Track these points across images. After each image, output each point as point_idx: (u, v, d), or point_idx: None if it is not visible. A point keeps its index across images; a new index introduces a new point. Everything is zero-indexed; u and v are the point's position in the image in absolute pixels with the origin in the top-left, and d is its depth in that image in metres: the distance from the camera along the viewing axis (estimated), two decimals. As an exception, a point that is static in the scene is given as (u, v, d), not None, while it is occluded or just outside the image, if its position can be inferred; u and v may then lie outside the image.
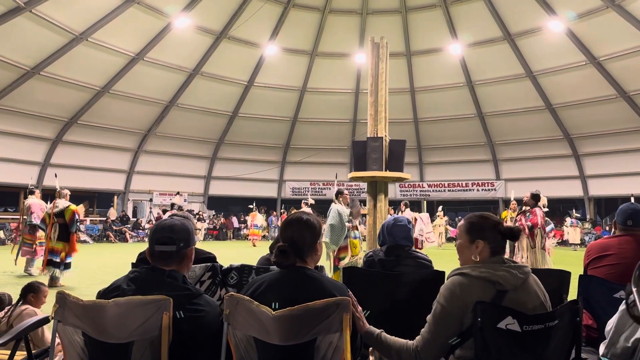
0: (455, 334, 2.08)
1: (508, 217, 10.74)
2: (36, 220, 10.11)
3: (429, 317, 2.16)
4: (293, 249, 2.09)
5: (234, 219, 27.55)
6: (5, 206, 24.30)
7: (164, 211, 15.06)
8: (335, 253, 8.41)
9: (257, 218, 22.43)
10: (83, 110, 22.22)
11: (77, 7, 18.10)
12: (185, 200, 26.79)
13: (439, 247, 20.25)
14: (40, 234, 10.03)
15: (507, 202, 27.23)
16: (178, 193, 15.37)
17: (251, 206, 22.61)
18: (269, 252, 3.53)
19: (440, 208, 22.46)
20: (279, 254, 2.08)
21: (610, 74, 21.10)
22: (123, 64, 21.30)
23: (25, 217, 10.40)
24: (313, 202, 14.75)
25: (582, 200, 25.63)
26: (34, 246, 10.01)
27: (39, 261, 10.12)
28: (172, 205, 14.38)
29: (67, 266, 9.07)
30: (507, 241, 2.28)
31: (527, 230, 8.69)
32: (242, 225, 26.92)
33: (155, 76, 22.50)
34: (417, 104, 26.06)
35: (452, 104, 25.41)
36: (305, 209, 14.15)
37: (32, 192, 10.87)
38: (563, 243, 22.61)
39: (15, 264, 9.98)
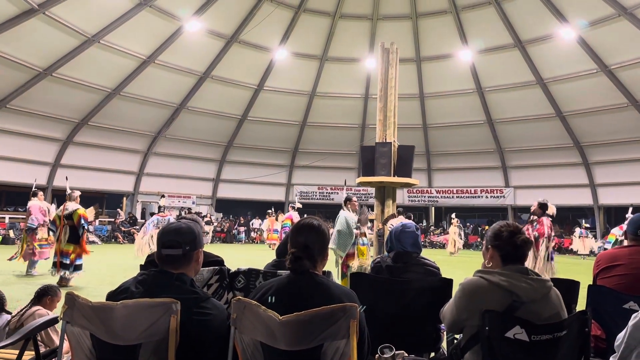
0: (459, 323, 2.18)
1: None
2: (33, 223, 10.23)
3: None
4: (306, 254, 2.10)
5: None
6: (16, 206, 24.49)
7: (152, 214, 14.94)
8: (343, 260, 8.34)
9: (276, 223, 22.41)
10: (94, 111, 22.40)
11: (90, 9, 18.27)
12: (193, 203, 26.94)
13: (451, 255, 20.10)
14: (40, 236, 10.13)
15: (515, 210, 27.17)
16: (163, 196, 15.36)
17: (270, 211, 22.56)
18: (275, 257, 3.52)
19: (453, 215, 22.23)
20: (294, 260, 2.09)
21: (622, 82, 20.96)
22: (134, 66, 21.46)
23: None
24: (300, 206, 14.72)
25: (592, 209, 25.43)
26: (33, 248, 10.09)
27: (40, 263, 10.24)
28: (160, 208, 14.32)
29: (77, 268, 9.10)
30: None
31: (533, 240, 8.61)
32: (240, 229, 26.79)
33: (165, 79, 22.64)
34: (426, 110, 26.01)
35: (462, 110, 25.34)
36: (293, 212, 14.19)
37: (35, 195, 10.92)
38: (572, 252, 22.43)
39: (9, 260, 10.11)
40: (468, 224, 28.78)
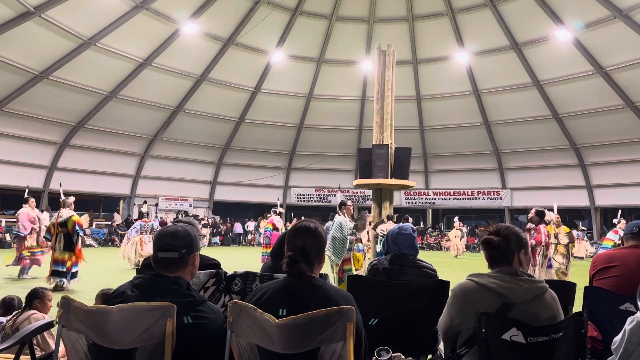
0: (453, 328, 2.17)
1: (552, 233, 10.43)
2: (22, 231, 10.29)
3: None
4: (303, 257, 2.10)
5: (237, 225, 27.60)
6: (15, 209, 24.43)
7: (133, 220, 14.95)
8: (339, 265, 8.28)
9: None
10: (90, 114, 22.36)
11: (86, 12, 18.24)
12: (190, 205, 26.91)
13: (455, 257, 20.02)
14: (30, 243, 10.14)
15: (512, 211, 27.22)
16: (145, 202, 15.31)
17: (269, 215, 22.47)
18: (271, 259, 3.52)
19: (456, 219, 22.15)
20: (291, 263, 2.09)
21: (618, 84, 21.03)
22: (131, 69, 21.43)
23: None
24: (282, 210, 14.67)
25: (589, 210, 25.49)
26: (22, 256, 10.11)
27: (34, 267, 10.28)
28: (142, 214, 14.38)
29: (74, 275, 9.07)
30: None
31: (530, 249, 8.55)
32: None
33: (162, 82, 22.62)
34: (423, 112, 26.05)
35: (458, 112, 25.39)
36: (274, 216, 14.18)
37: (26, 201, 10.92)
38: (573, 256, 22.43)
39: (6, 265, 10.20)
40: (465, 225, 28.80)
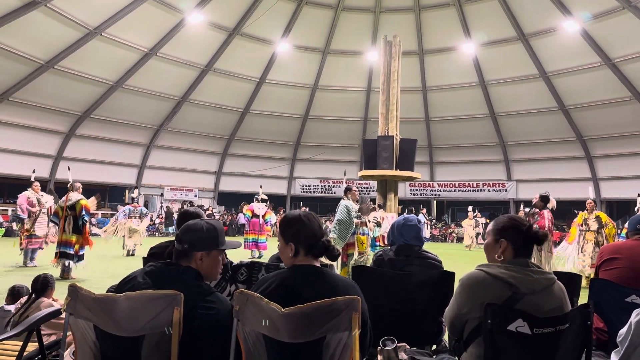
0: (461, 317, 2.17)
1: (582, 219, 9.89)
2: (21, 214, 10.40)
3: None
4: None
5: (241, 215, 27.66)
6: (19, 198, 24.57)
7: (127, 203, 15.19)
8: (343, 249, 8.34)
9: (272, 215, 22.40)
10: (96, 104, 22.41)
11: (92, 2, 18.25)
12: (195, 196, 27.00)
13: (467, 248, 19.77)
14: (28, 226, 10.22)
15: (518, 204, 27.14)
16: (136, 187, 15.44)
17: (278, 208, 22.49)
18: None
19: (470, 208, 21.89)
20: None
21: (625, 76, 20.87)
22: (136, 59, 21.43)
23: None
24: (266, 197, 14.63)
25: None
26: (22, 237, 10.25)
27: (40, 255, 10.38)
28: (132, 199, 14.58)
29: (81, 258, 9.16)
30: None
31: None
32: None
33: (168, 72, 22.62)
34: (428, 103, 25.96)
35: (464, 104, 25.28)
36: (255, 203, 14.15)
37: (30, 185, 11.03)
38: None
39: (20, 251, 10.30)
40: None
